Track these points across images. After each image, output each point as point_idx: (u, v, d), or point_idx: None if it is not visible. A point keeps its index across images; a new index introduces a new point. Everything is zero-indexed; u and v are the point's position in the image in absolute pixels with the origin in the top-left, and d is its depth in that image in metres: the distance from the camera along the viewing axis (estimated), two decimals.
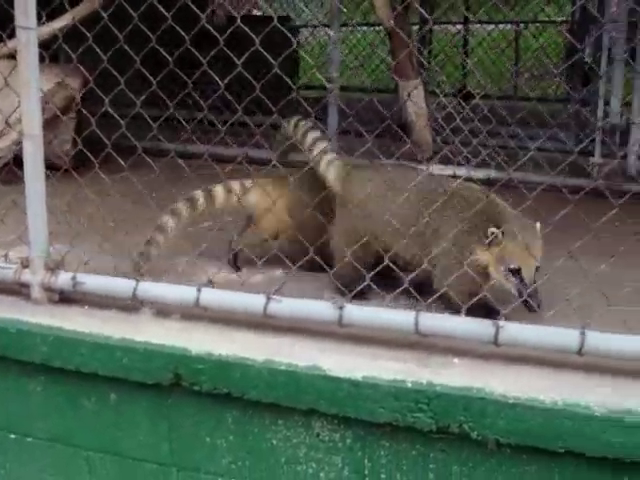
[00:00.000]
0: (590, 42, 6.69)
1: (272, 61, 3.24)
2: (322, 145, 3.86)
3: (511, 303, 3.15)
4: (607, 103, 6.02)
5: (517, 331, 2.92)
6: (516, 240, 3.21)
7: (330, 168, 3.79)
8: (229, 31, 3.35)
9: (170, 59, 3.36)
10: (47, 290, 3.45)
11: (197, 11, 3.43)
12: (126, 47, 3.47)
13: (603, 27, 5.65)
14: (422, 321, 3.00)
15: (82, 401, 3.34)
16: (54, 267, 3.45)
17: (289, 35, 3.33)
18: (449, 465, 2.90)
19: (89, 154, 3.73)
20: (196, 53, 3.42)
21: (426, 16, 6.91)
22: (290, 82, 3.37)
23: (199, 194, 3.99)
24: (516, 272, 3.21)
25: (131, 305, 3.40)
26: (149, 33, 3.47)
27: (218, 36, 3.29)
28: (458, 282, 3.27)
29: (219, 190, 4.01)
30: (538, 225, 3.32)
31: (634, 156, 5.46)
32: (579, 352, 2.85)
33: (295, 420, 3.04)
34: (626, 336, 2.84)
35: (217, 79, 3.40)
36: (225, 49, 3.36)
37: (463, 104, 5.39)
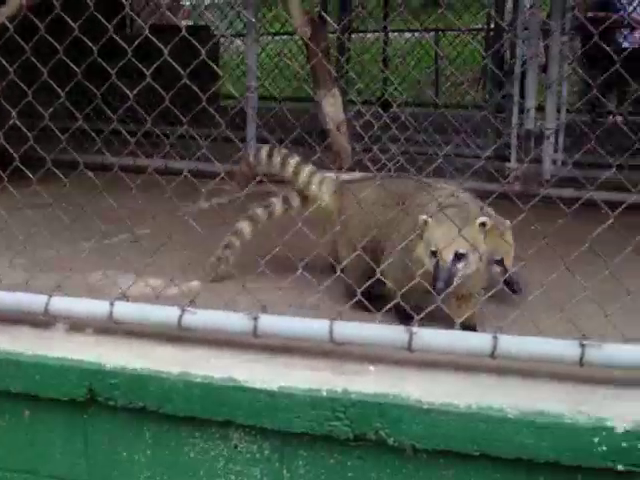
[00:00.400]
0: (505, 49, 6.79)
1: (182, 71, 3.21)
2: (307, 167, 4.02)
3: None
4: (522, 111, 6.12)
5: (430, 337, 2.94)
6: (441, 225, 3.23)
7: (323, 186, 3.97)
8: (136, 42, 3.33)
9: (78, 70, 3.32)
10: None
11: (105, 22, 3.38)
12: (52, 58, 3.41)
13: (513, 33, 5.75)
14: (337, 329, 3.00)
15: None
16: None
17: (197, 45, 3.25)
18: (367, 472, 2.90)
19: None
20: (104, 64, 3.38)
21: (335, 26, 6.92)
22: (200, 93, 3.31)
23: (276, 200, 4.07)
24: (433, 254, 3.23)
25: (44, 321, 3.34)
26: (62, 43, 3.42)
27: (126, 47, 3.26)
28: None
29: (294, 196, 4.09)
30: (482, 219, 3.31)
31: (549, 161, 5.55)
32: (492, 355, 2.88)
33: (212, 432, 3.02)
34: (538, 338, 2.89)
35: (127, 91, 3.35)
36: (134, 60, 3.32)
37: (381, 112, 5.40)
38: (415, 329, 2.93)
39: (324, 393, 2.82)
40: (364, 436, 2.81)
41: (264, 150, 4.09)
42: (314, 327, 3.03)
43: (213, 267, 4.03)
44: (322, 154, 3.62)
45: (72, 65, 3.38)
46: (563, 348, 2.84)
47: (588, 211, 3.14)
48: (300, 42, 8.46)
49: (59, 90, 3.42)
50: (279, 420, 2.87)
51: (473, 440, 2.72)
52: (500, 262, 3.69)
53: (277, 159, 4.05)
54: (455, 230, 3.14)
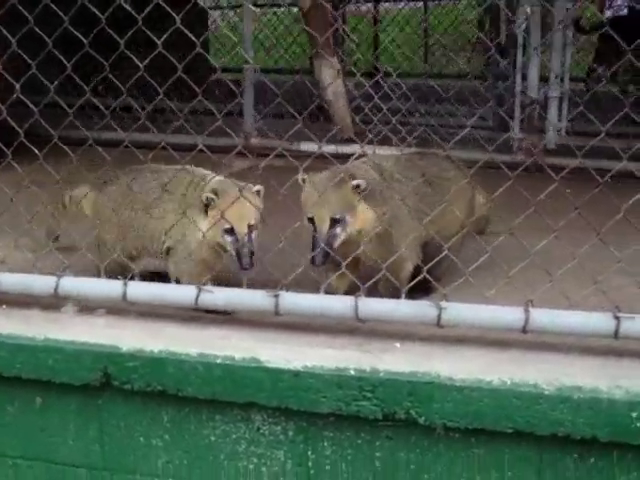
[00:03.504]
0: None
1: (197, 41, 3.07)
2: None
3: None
4: (524, 77, 6.01)
5: (460, 311, 2.85)
6: (228, 201, 3.18)
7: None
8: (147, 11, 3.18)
9: (85, 41, 3.18)
10: None
11: None
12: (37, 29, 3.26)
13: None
14: (361, 306, 2.90)
15: (4, 406, 3.15)
16: None
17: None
18: (395, 452, 2.83)
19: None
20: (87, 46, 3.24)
21: None
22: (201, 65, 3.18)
23: None
24: (230, 231, 3.19)
25: (53, 303, 3.22)
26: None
27: (136, 14, 3.13)
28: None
29: None
30: (256, 187, 3.30)
31: (552, 130, 5.46)
32: (523, 330, 2.80)
33: (234, 414, 2.92)
34: (570, 311, 2.80)
35: (138, 62, 3.21)
36: (146, 30, 3.19)
37: (382, 83, 5.28)
38: (444, 304, 2.83)
39: (351, 372, 2.73)
40: (393, 415, 2.73)
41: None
42: (338, 304, 2.93)
43: None
44: (322, 125, 3.52)
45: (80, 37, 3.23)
46: (597, 321, 2.77)
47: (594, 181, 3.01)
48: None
49: (66, 63, 3.28)
50: (304, 400, 2.78)
51: (507, 417, 2.64)
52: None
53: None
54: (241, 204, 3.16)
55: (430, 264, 3.09)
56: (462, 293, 2.99)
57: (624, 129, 5.28)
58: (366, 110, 4.95)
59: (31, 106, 3.37)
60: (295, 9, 8.51)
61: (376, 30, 9.41)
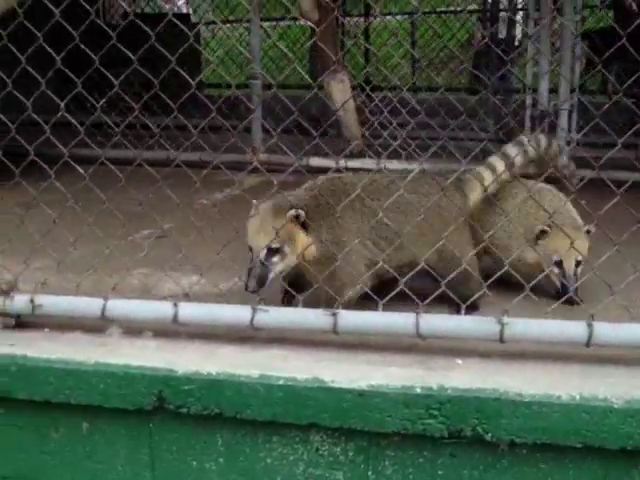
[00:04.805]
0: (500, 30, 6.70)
1: (170, 57, 3.08)
2: None
3: None
4: (518, 91, 6.04)
5: (523, 327, 2.84)
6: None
7: None
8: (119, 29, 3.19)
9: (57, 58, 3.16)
10: (1, 315, 3.16)
11: (87, 6, 3.21)
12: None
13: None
14: (423, 323, 2.87)
15: (49, 433, 3.06)
16: (7, 289, 3.16)
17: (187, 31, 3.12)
18: (459, 470, 2.80)
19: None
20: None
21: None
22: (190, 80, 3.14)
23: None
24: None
25: (97, 325, 3.15)
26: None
27: (111, 32, 3.14)
28: None
29: None
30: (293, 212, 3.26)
31: (563, 141, 5.48)
32: (587, 344, 2.79)
33: (292, 436, 2.87)
34: (634, 324, 2.80)
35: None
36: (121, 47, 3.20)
37: (391, 97, 5.27)
38: (506, 319, 2.82)
39: (418, 390, 2.70)
40: (459, 433, 2.70)
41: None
42: (398, 321, 2.90)
43: None
44: (333, 141, 3.49)
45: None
46: None
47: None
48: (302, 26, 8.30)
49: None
50: (369, 420, 2.74)
51: (576, 432, 2.64)
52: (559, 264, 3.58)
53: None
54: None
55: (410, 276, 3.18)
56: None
57: (632, 140, 5.33)
58: (375, 124, 4.91)
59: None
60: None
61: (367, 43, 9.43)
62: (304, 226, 3.26)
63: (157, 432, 2.98)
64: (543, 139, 3.83)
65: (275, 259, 3.21)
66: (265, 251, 3.20)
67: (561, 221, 3.51)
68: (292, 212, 3.23)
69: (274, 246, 3.19)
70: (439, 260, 3.38)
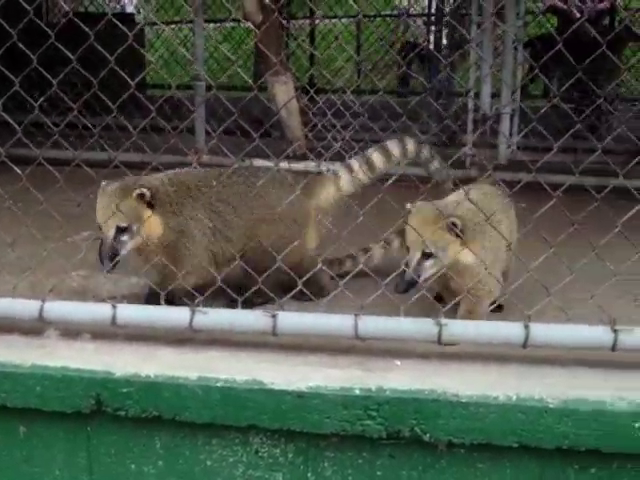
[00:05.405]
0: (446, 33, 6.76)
1: (109, 57, 3.07)
2: None
3: None
4: (460, 95, 6.09)
5: (460, 328, 2.87)
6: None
7: None
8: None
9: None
10: None
11: (25, 5, 3.19)
12: None
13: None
14: (361, 325, 2.88)
15: None
16: None
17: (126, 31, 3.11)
18: (397, 470, 2.81)
19: None
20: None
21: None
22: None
23: None
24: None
25: (34, 327, 3.11)
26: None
27: (50, 32, 3.14)
28: None
29: None
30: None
31: (504, 145, 5.55)
32: (524, 345, 2.83)
33: (231, 438, 2.86)
34: (569, 326, 2.85)
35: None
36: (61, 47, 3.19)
37: (335, 99, 5.29)
38: (444, 321, 2.85)
39: (357, 391, 2.71)
40: (397, 434, 2.72)
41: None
42: (336, 323, 2.91)
43: None
44: (276, 142, 3.50)
45: None
46: (595, 335, 2.81)
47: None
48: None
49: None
50: (307, 422, 2.74)
51: (513, 432, 2.67)
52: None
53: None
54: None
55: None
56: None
57: (571, 143, 5.42)
58: (319, 126, 4.92)
59: None
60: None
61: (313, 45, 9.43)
62: (151, 206, 3.34)
63: (95, 435, 2.95)
64: (411, 144, 3.83)
65: (124, 238, 3.31)
66: (114, 230, 3.28)
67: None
68: (137, 190, 3.31)
69: (122, 225, 3.28)
70: (257, 253, 3.49)
